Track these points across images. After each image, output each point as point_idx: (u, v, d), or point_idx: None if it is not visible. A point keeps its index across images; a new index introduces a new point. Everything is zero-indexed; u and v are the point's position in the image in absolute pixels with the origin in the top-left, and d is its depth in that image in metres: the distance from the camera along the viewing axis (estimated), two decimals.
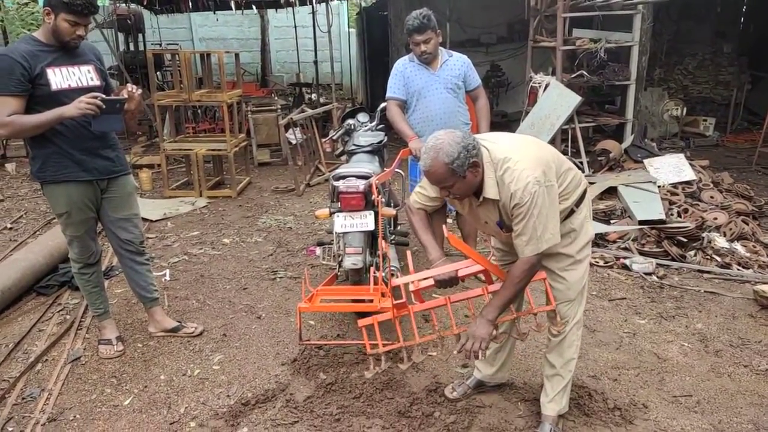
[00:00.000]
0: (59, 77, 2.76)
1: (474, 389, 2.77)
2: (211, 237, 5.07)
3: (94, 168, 2.92)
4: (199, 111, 9.14)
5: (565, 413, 2.56)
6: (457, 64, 3.72)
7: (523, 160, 2.10)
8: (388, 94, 3.74)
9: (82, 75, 2.85)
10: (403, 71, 3.71)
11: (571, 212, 2.29)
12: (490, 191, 2.13)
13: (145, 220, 5.47)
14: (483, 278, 2.46)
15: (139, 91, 2.92)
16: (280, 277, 4.18)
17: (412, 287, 2.37)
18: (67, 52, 2.80)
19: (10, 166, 7.58)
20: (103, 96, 2.73)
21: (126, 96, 2.83)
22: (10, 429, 2.57)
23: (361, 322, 2.44)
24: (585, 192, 2.34)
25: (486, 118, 3.85)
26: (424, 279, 2.35)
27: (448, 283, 2.31)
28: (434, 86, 3.66)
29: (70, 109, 2.66)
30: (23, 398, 2.78)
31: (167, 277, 4.17)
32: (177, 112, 7.64)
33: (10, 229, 5.31)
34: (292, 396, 2.77)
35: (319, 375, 2.93)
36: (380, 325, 2.49)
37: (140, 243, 3.20)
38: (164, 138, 6.66)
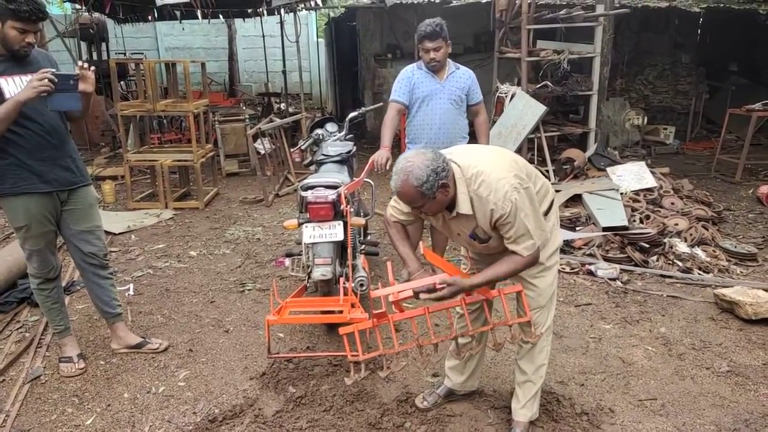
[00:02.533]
0: (12, 86, 2.68)
1: (444, 398, 2.78)
2: (177, 250, 4.97)
3: (53, 179, 2.84)
4: (164, 121, 9.00)
5: (534, 420, 2.58)
6: (463, 77, 3.78)
7: (495, 170, 2.12)
8: (392, 97, 3.76)
9: None
10: (411, 77, 3.75)
11: None
12: (463, 206, 2.15)
13: (108, 233, 5.34)
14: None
15: (92, 68, 2.78)
16: (248, 290, 4.12)
17: (391, 298, 2.36)
18: (19, 60, 2.72)
19: None
20: (54, 71, 2.63)
21: (78, 72, 2.70)
22: None
23: (343, 330, 2.42)
24: (553, 201, 2.39)
25: (485, 134, 3.92)
26: (404, 291, 2.35)
27: (428, 291, 2.28)
28: (438, 95, 3.72)
29: (26, 92, 2.57)
30: None
31: (131, 292, 4.07)
32: (141, 122, 7.50)
33: None
34: (261, 411, 2.72)
35: (288, 388, 2.89)
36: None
37: (104, 256, 3.12)
38: (128, 149, 6.52)
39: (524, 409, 2.51)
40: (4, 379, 3.00)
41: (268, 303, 3.66)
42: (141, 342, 3.27)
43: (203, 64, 7.07)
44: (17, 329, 3.54)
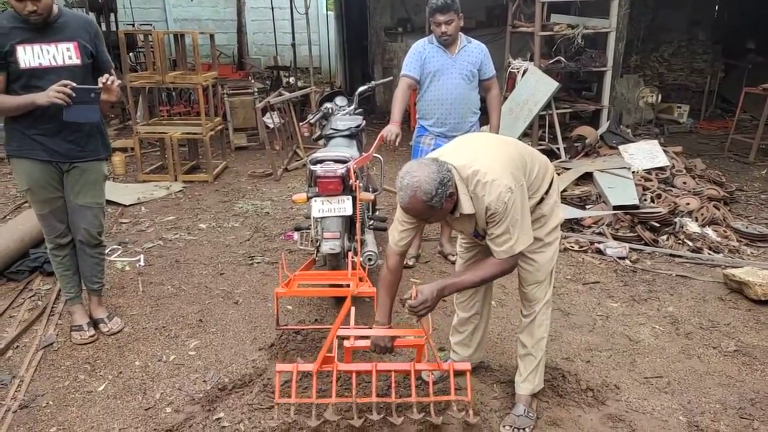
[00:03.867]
0: (29, 55, 2.68)
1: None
2: (186, 222, 5.00)
3: (54, 150, 2.84)
4: (173, 93, 8.97)
5: (539, 393, 2.60)
6: (474, 52, 3.72)
7: (491, 169, 2.11)
8: (403, 72, 3.72)
9: (59, 53, 2.75)
10: (422, 52, 3.70)
11: (542, 199, 2.34)
12: (466, 207, 2.15)
13: (118, 204, 5.38)
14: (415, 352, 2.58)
15: (118, 82, 2.81)
16: (257, 263, 4.15)
17: (347, 343, 2.44)
18: (45, 29, 2.71)
19: None
20: (74, 85, 2.63)
21: (100, 86, 2.72)
22: None
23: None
24: (553, 178, 2.39)
25: (497, 109, 3.87)
26: (361, 338, 2.45)
27: (383, 349, 2.40)
28: (450, 70, 3.67)
29: (41, 97, 2.62)
30: None
31: (142, 263, 4.11)
32: (150, 94, 7.48)
33: None
34: (270, 381, 2.76)
35: (296, 360, 2.92)
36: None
37: (97, 234, 3.10)
38: (137, 121, 6.52)
39: (526, 382, 2.54)
40: (18, 346, 3.06)
41: (277, 276, 3.68)
42: (99, 320, 3.23)
43: (212, 36, 7.01)
44: (30, 297, 3.59)
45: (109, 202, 5.37)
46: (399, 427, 2.42)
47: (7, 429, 2.43)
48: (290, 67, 11.89)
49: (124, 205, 5.39)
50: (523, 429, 2.42)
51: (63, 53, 2.76)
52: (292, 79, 10.88)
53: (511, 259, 2.19)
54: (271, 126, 7.01)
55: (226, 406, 2.59)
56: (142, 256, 4.21)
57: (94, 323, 3.22)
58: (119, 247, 4.39)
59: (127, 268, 4.06)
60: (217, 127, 6.70)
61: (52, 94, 2.59)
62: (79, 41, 2.80)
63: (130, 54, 10.44)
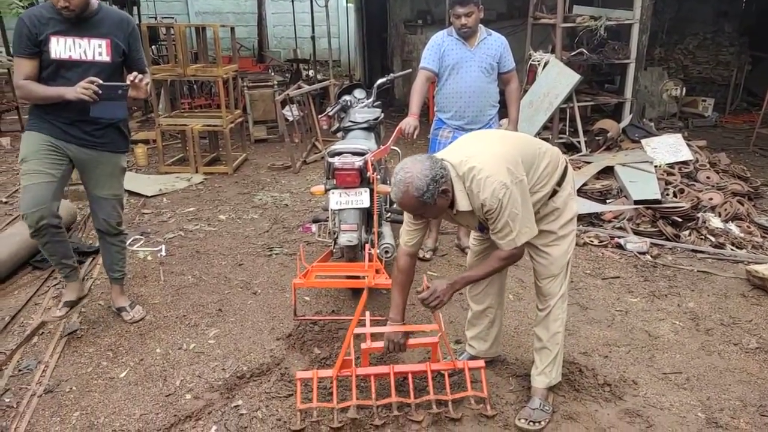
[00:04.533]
0: (61, 47, 2.74)
1: None
2: (207, 213, 5.06)
3: (62, 131, 2.86)
4: (195, 86, 9.06)
5: (555, 388, 2.60)
6: (494, 44, 3.69)
7: (486, 166, 2.12)
8: (421, 65, 3.73)
9: (90, 48, 2.79)
10: (441, 44, 3.69)
11: (554, 192, 2.34)
12: (462, 204, 2.18)
13: (140, 195, 5.47)
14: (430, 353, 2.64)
15: (147, 80, 2.84)
16: (276, 254, 4.19)
17: (364, 346, 2.52)
18: (80, 23, 2.75)
19: (5, 140, 7.53)
20: (101, 82, 2.67)
21: (129, 83, 2.75)
22: (7, 400, 2.59)
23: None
24: (566, 170, 2.38)
25: (516, 102, 3.85)
26: (379, 335, 2.53)
27: (396, 345, 2.46)
28: (468, 63, 3.66)
29: (69, 92, 2.67)
30: (20, 370, 2.80)
31: (163, 253, 4.18)
32: (172, 87, 7.56)
33: (6, 203, 5.29)
34: (287, 370, 2.80)
35: (313, 350, 2.96)
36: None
37: (116, 224, 3.14)
38: (159, 113, 6.61)
39: (542, 375, 2.53)
40: (42, 332, 3.14)
41: (295, 267, 3.71)
42: (122, 308, 3.29)
43: (232, 29, 7.06)
44: (54, 285, 3.68)
45: (132, 193, 5.50)
46: (418, 424, 2.43)
47: (32, 412, 2.50)
48: (310, 59, 11.92)
49: (147, 196, 5.48)
50: (539, 422, 2.41)
51: (94, 49, 2.80)
52: (311, 72, 10.91)
53: (515, 249, 2.21)
54: (291, 119, 7.05)
55: (245, 394, 2.63)
56: (163, 247, 4.28)
57: (117, 311, 3.29)
58: (141, 237, 4.47)
59: (149, 257, 4.13)
60: (237, 119, 6.76)
61: (79, 90, 2.64)
62: (112, 39, 2.83)
63: (153, 47, 10.58)
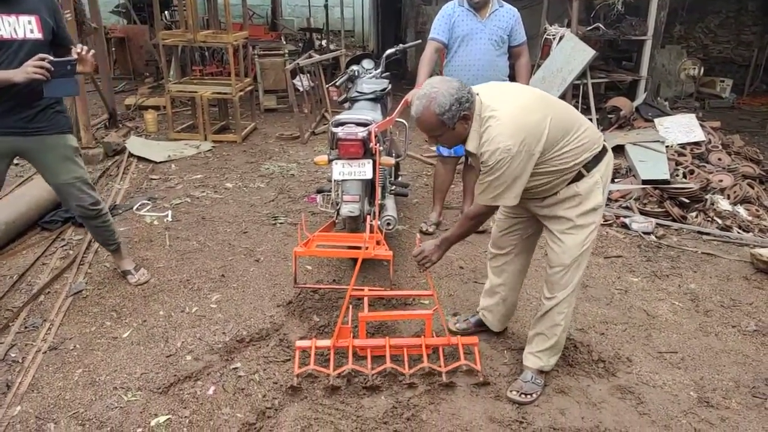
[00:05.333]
0: None
1: (475, 327, 2.89)
2: (214, 181, 5.09)
3: (12, 122, 2.69)
4: (206, 54, 9.01)
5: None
6: (506, 17, 3.63)
7: (504, 123, 2.08)
8: (431, 36, 3.69)
9: (20, 26, 2.60)
10: (451, 14, 3.63)
11: (580, 176, 2.23)
12: (471, 144, 2.17)
13: (149, 161, 5.51)
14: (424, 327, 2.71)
15: (92, 52, 2.71)
16: (280, 223, 4.22)
17: (361, 314, 2.63)
18: (6, 0, 2.57)
19: None
20: (51, 58, 2.53)
21: (75, 57, 2.62)
22: (13, 355, 2.67)
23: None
24: (600, 157, 2.26)
25: (525, 77, 3.80)
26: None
27: (425, 257, 2.47)
28: (479, 35, 3.61)
29: (18, 75, 2.50)
30: (26, 327, 2.88)
31: (169, 218, 4.22)
32: (183, 54, 7.53)
33: (17, 164, 5.34)
34: (286, 336, 2.85)
35: (312, 317, 3.00)
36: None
37: (91, 206, 2.99)
38: (170, 79, 6.60)
39: (533, 356, 2.52)
40: (49, 292, 3.21)
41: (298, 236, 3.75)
42: (127, 270, 3.31)
43: None
44: (62, 246, 3.74)
45: (141, 159, 5.54)
46: (411, 389, 2.48)
47: (36, 368, 2.58)
48: (323, 29, 11.77)
49: (155, 162, 5.51)
50: (530, 395, 2.44)
51: (24, 26, 2.61)
52: (324, 42, 10.79)
53: (488, 207, 2.26)
54: (301, 89, 7.01)
55: (243, 357, 2.69)
56: (170, 212, 4.32)
57: (123, 274, 3.33)
58: (149, 202, 4.51)
59: (156, 222, 4.18)
60: (247, 88, 6.73)
61: (30, 70, 2.46)
62: (40, 15, 2.66)
63: (165, 12, 10.49)
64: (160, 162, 5.54)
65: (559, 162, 2.19)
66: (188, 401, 2.41)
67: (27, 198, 3.95)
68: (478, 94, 2.16)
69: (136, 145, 5.86)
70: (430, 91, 2.06)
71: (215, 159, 5.74)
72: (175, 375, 2.55)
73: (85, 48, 2.68)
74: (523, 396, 2.44)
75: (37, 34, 2.66)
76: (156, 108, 7.13)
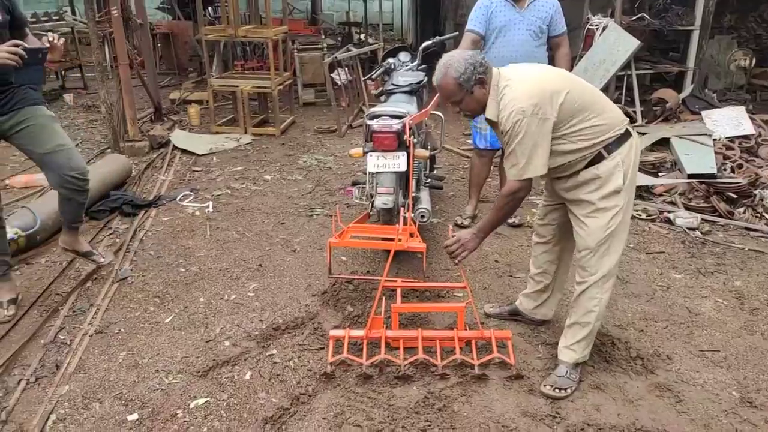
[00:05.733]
0: None
1: (509, 315, 2.92)
2: (253, 173, 5.19)
3: None
4: (248, 49, 9.17)
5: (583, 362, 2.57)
6: (545, 6, 3.58)
7: (518, 89, 2.21)
8: (467, 27, 3.67)
9: None
10: (489, 5, 3.60)
11: (600, 158, 2.25)
12: (490, 111, 2.29)
13: (192, 154, 5.66)
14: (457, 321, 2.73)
15: (62, 40, 2.71)
16: (316, 214, 4.28)
17: (394, 306, 2.67)
18: None
19: (68, 97, 7.88)
20: (26, 45, 2.52)
21: (47, 45, 2.62)
22: (62, 338, 2.80)
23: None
24: (623, 141, 2.26)
25: (566, 68, 3.72)
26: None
27: (461, 246, 2.45)
28: (517, 26, 3.56)
29: None
30: (74, 311, 3.02)
31: (210, 209, 4.34)
32: (225, 49, 7.69)
33: None
34: (320, 325, 2.89)
35: (346, 307, 3.04)
36: None
37: (83, 174, 2.86)
38: (212, 74, 6.75)
39: (568, 349, 2.49)
40: (96, 278, 3.35)
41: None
42: (89, 252, 3.17)
43: None
44: (109, 235, 3.90)
45: (184, 151, 5.70)
46: (443, 380, 2.49)
47: (83, 350, 2.70)
48: (361, 23, 11.81)
49: (198, 155, 5.66)
50: (564, 389, 2.42)
51: None
52: (362, 36, 10.82)
53: (519, 183, 2.26)
54: (339, 83, 7.06)
55: (279, 345, 2.75)
56: (211, 203, 4.44)
57: (85, 255, 3.16)
58: (191, 193, 4.64)
59: (197, 213, 4.30)
60: (286, 82, 6.83)
61: (3, 56, 2.40)
62: None
63: (209, 8, 10.72)
64: (203, 154, 5.69)
65: (578, 139, 2.24)
66: (226, 385, 2.48)
67: None
68: (499, 71, 2.31)
69: (180, 138, 6.03)
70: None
71: (255, 152, 5.86)
72: (214, 360, 2.63)
73: (56, 36, 2.68)
74: (557, 391, 2.41)
75: None
76: (199, 102, 7.31)
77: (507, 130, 2.21)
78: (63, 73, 8.59)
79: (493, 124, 2.36)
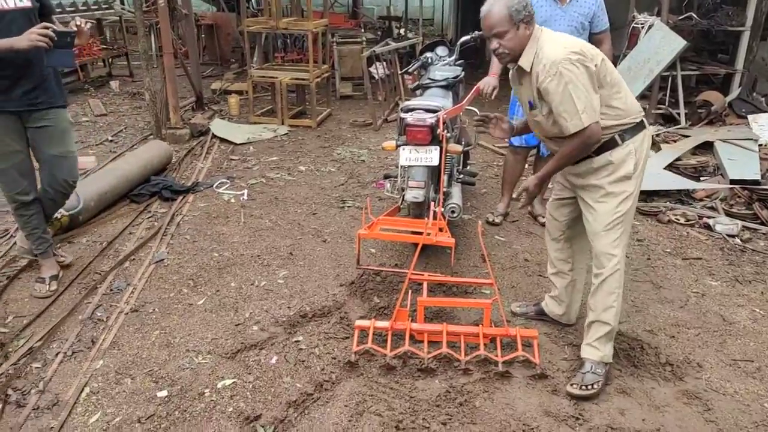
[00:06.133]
0: None
1: (535, 315, 2.91)
2: (288, 163, 5.27)
3: (17, 97, 2.74)
4: (288, 41, 9.28)
5: (609, 362, 2.54)
6: (588, 2, 3.52)
7: (561, 42, 2.24)
8: None
9: None
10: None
11: (614, 143, 2.30)
12: (524, 60, 2.27)
13: (230, 143, 5.78)
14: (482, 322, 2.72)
15: (89, 25, 2.78)
16: (348, 206, 4.32)
17: (420, 299, 2.68)
18: None
19: (114, 84, 8.14)
20: (55, 27, 2.59)
21: (75, 29, 2.68)
22: (99, 315, 2.91)
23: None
24: (637, 131, 2.34)
25: None
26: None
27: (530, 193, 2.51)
28: (558, 21, 3.51)
29: (21, 41, 2.52)
30: (111, 290, 3.13)
31: (245, 197, 4.43)
32: (267, 41, 7.80)
33: (111, 141, 5.78)
34: (346, 314, 2.93)
35: (373, 299, 3.07)
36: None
37: (73, 183, 3.05)
38: (252, 65, 6.86)
39: (591, 347, 2.48)
40: (134, 259, 3.47)
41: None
42: (43, 278, 3.09)
43: None
44: (148, 218, 4.03)
45: (222, 140, 5.82)
46: (466, 375, 2.50)
47: (119, 327, 2.80)
48: (402, 17, 11.79)
49: (235, 144, 5.78)
50: (591, 385, 2.39)
51: None
52: (402, 30, 10.81)
53: (581, 134, 2.21)
54: (377, 77, 7.08)
55: (305, 332, 2.79)
56: (246, 191, 4.53)
57: (37, 279, 3.11)
58: (227, 181, 4.75)
59: (233, 200, 4.39)
60: (324, 74, 6.88)
61: (34, 38, 2.49)
62: None
63: (252, 1, 10.90)
64: (240, 144, 5.80)
65: (601, 115, 2.26)
66: (253, 368, 2.54)
67: (118, 172, 4.27)
68: (541, 28, 2.31)
69: (219, 127, 6.16)
70: None
71: (290, 143, 5.94)
72: (242, 343, 2.70)
73: (82, 21, 2.75)
74: (583, 389, 2.39)
75: (26, 2, 2.70)
76: (239, 92, 7.44)
77: (552, 76, 2.16)
78: (110, 60, 8.86)
79: (523, 75, 2.33)
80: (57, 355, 2.59)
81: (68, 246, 3.59)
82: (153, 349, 2.66)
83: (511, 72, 2.46)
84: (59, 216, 3.54)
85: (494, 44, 2.30)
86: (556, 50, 2.18)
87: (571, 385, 2.43)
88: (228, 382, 2.45)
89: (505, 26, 2.23)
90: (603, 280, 2.40)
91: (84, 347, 2.66)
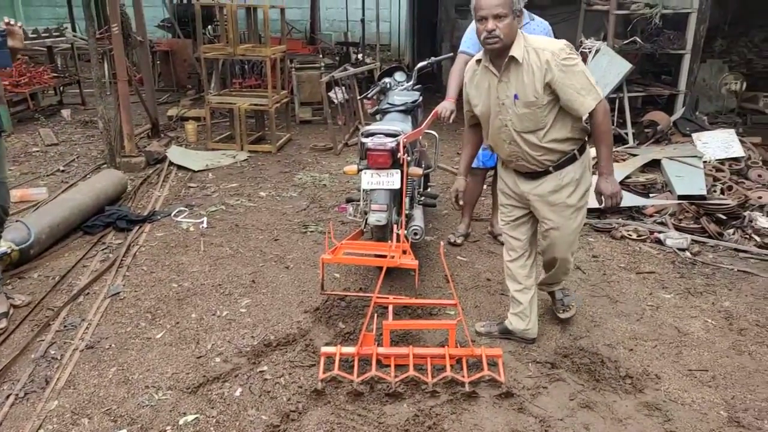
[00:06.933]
0: None
1: (499, 334, 2.96)
2: (248, 189, 5.22)
3: None
4: (246, 67, 9.26)
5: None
6: (536, 30, 3.62)
7: (546, 38, 2.52)
8: (461, 48, 3.71)
9: None
10: None
11: (573, 159, 2.51)
12: (516, 50, 2.37)
13: (187, 169, 5.69)
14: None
15: (19, 23, 2.66)
16: (311, 231, 4.30)
17: (386, 323, 2.68)
18: None
19: (65, 112, 7.93)
20: None
21: (5, 27, 2.58)
22: (52, 352, 2.79)
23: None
24: (586, 147, 2.58)
25: None
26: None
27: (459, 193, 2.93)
28: None
29: None
30: (65, 326, 3.01)
31: (204, 225, 4.35)
32: (224, 67, 7.77)
33: (63, 171, 5.61)
34: (312, 341, 2.90)
35: (338, 324, 3.05)
36: None
37: (5, 210, 2.96)
38: (210, 91, 6.81)
39: (551, 285, 2.96)
40: (88, 293, 3.35)
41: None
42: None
43: (282, 10, 7.17)
44: (102, 250, 3.90)
45: (180, 167, 5.73)
46: (434, 397, 2.50)
47: (74, 365, 2.69)
48: (359, 43, 11.95)
49: (193, 171, 5.69)
50: (570, 305, 2.96)
51: None
52: (360, 56, 10.95)
53: (601, 104, 2.36)
54: (336, 101, 7.13)
55: (270, 361, 2.75)
56: (205, 219, 4.46)
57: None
58: (186, 209, 4.66)
59: (192, 228, 4.31)
60: (283, 100, 6.89)
61: None
62: None
63: (208, 27, 10.84)
64: (198, 171, 5.72)
65: (572, 127, 2.46)
66: (216, 402, 2.48)
67: (71, 203, 4.14)
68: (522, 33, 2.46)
69: (176, 154, 6.07)
70: None
71: (250, 168, 5.89)
72: (204, 376, 2.63)
73: (12, 20, 2.62)
74: (569, 310, 2.94)
75: None
76: (197, 119, 7.36)
77: (569, 53, 2.31)
78: (62, 88, 8.65)
79: (510, 70, 2.41)
80: (8, 397, 2.47)
81: (19, 281, 3.45)
82: (110, 386, 2.56)
83: (479, 77, 2.55)
84: (9, 251, 3.41)
85: (491, 25, 2.32)
86: (551, 42, 2.37)
87: (559, 313, 2.97)
88: (190, 418, 2.38)
89: (506, 10, 2.32)
90: (562, 279, 2.80)
91: (37, 387, 2.54)
